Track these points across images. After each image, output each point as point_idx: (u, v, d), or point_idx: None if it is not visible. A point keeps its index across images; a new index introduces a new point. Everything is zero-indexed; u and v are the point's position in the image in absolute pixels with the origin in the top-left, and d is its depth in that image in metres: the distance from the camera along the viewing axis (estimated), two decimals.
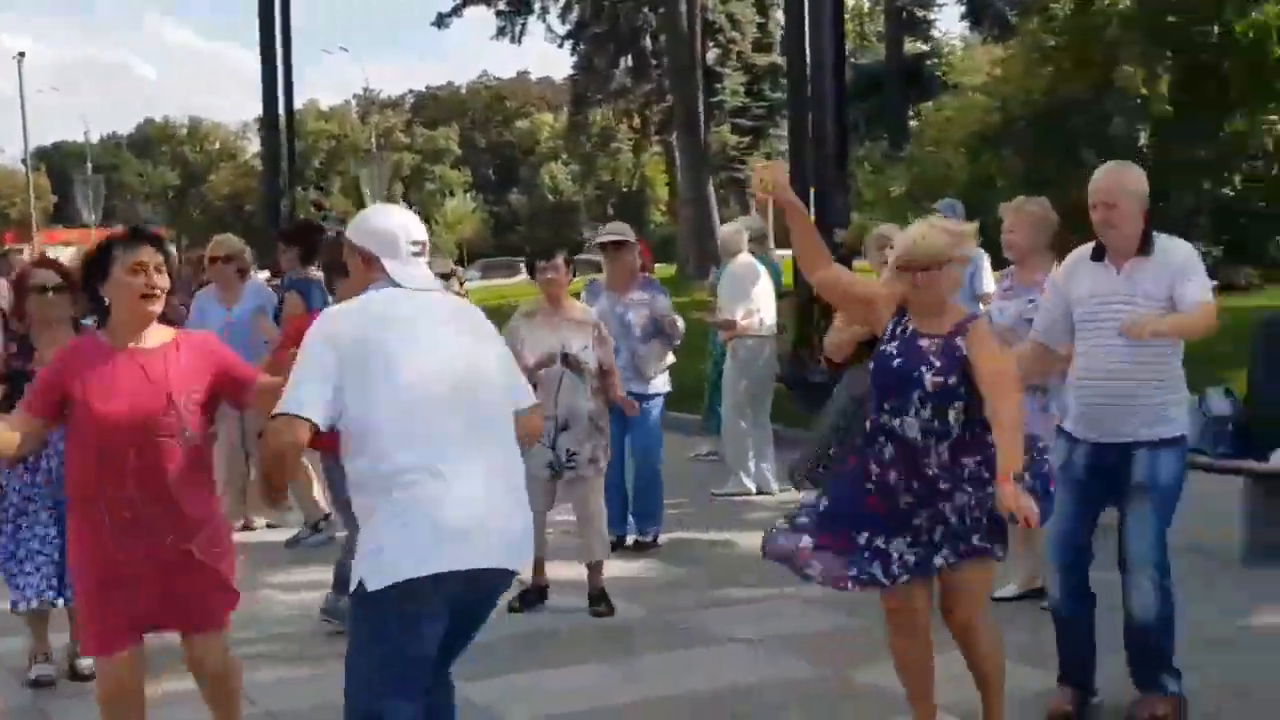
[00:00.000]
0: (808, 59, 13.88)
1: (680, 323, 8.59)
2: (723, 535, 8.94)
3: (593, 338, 7.09)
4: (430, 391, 3.67)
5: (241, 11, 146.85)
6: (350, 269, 4.07)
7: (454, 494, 3.61)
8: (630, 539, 8.56)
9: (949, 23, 54.49)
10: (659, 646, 6.50)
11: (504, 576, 3.87)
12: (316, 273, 8.09)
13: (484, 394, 3.80)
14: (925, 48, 29.63)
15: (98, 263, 4.28)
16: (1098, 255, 5.23)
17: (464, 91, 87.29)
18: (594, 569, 7.17)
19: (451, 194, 76.79)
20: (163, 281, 4.25)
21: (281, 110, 21.68)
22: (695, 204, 31.37)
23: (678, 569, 8.11)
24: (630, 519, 8.63)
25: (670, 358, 8.75)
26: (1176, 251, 5.16)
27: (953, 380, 4.47)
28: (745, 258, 10.25)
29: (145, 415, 4.16)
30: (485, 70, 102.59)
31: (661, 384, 8.64)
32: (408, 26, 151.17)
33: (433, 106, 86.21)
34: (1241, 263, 18.40)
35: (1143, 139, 12.44)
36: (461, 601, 3.73)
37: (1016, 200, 6.81)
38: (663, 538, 8.71)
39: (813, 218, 13.88)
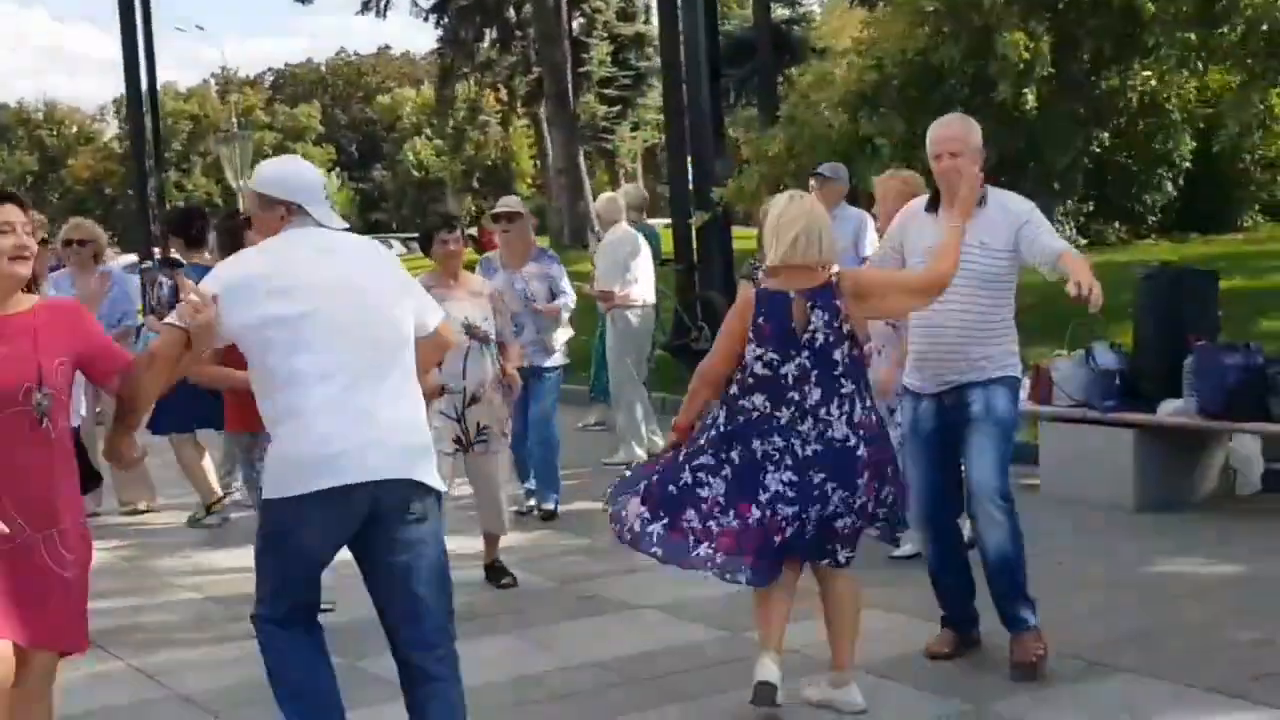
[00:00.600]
0: (680, 25, 13.85)
1: (573, 298, 8.54)
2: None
3: (490, 308, 6.99)
4: (336, 324, 3.96)
5: None
6: (263, 221, 4.16)
7: (348, 414, 3.93)
8: (531, 508, 8.52)
9: None
10: (567, 615, 6.45)
11: (400, 487, 4.03)
12: (208, 256, 7.95)
13: (387, 328, 4.09)
14: (790, 14, 29.85)
15: None
16: (932, 207, 5.33)
17: (324, 68, 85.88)
18: (493, 541, 7.08)
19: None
20: (31, 242, 3.91)
21: (145, 90, 21.12)
22: (568, 174, 31.27)
23: (577, 538, 8.06)
24: (530, 488, 8.61)
25: (569, 330, 8.65)
26: (1019, 203, 5.30)
27: None
28: (623, 228, 10.19)
29: (10, 385, 3.76)
30: (344, 47, 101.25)
31: (560, 356, 8.54)
32: (263, 3, 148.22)
33: (292, 84, 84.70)
34: (1109, 219, 18.83)
35: (1030, 101, 12.52)
36: (369, 512, 3.99)
37: (885, 174, 6.87)
38: (560, 507, 8.64)
39: (690, 184, 13.96)
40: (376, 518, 3.99)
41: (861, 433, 4.72)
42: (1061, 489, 8.03)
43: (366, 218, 68.46)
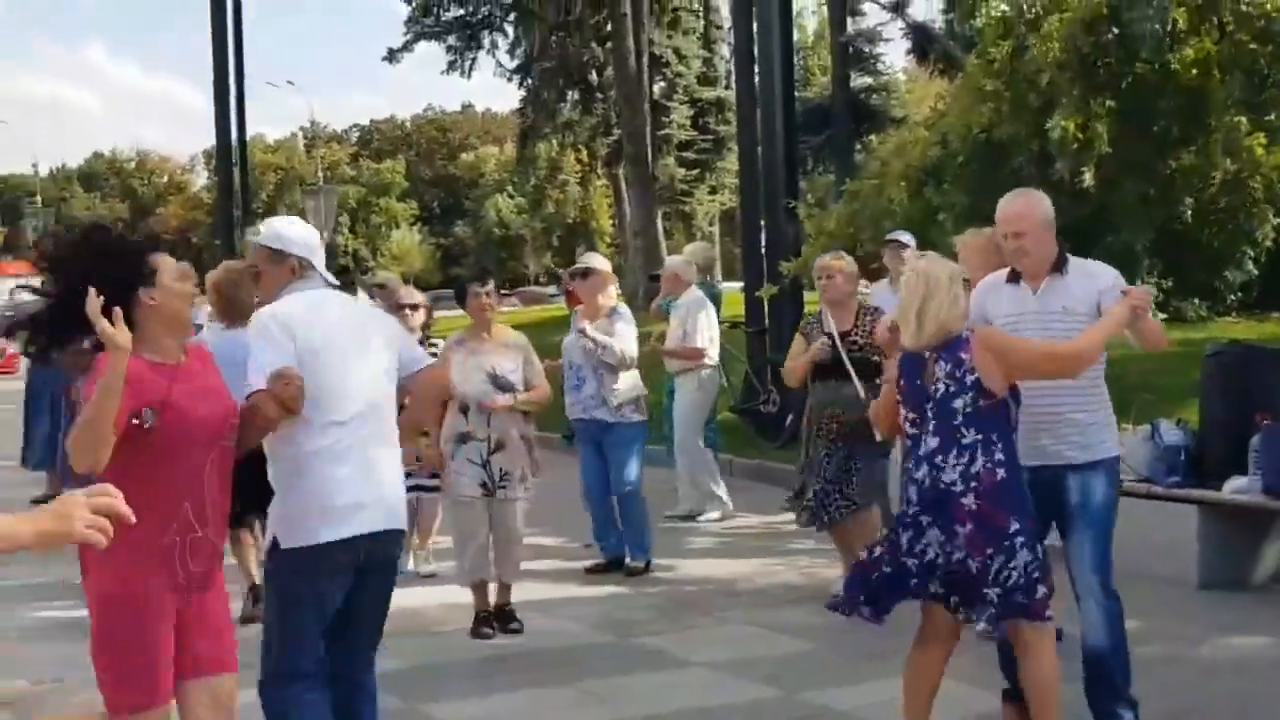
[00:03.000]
0: (757, 92, 14.03)
1: (625, 351, 8.57)
2: (678, 560, 8.99)
3: (521, 359, 7.23)
4: (346, 383, 4.30)
5: (183, 45, 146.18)
6: (271, 276, 4.45)
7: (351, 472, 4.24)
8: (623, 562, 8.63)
9: (895, 57, 55.02)
10: (620, 669, 6.52)
11: (395, 537, 4.44)
12: None
13: (384, 381, 4.46)
14: (872, 82, 29.97)
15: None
16: (1013, 278, 5.35)
17: (409, 125, 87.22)
18: (506, 587, 7.28)
19: (397, 226, 76.62)
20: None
21: (235, 142, 21.65)
22: (644, 235, 31.51)
23: (635, 592, 8.13)
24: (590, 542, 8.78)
25: (640, 386, 8.71)
26: (1102, 270, 5.30)
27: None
28: (696, 289, 10.36)
29: (221, 418, 3.99)
30: (430, 103, 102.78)
31: (630, 411, 8.58)
32: (352, 60, 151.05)
33: (378, 139, 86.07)
34: (1188, 295, 18.69)
35: (1087, 179, 12.58)
36: (364, 561, 4.27)
37: (966, 233, 6.87)
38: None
39: (763, 248, 14.07)
40: (370, 566, 4.34)
41: (974, 484, 4.66)
42: (1124, 565, 7.91)
43: (447, 272, 69.15)
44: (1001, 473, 4.67)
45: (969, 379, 4.72)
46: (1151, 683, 6.01)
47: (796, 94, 15.56)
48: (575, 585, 8.24)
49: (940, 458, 4.71)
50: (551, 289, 51.97)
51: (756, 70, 13.78)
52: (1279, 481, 7.35)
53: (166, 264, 3.98)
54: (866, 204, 13.24)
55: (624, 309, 9.05)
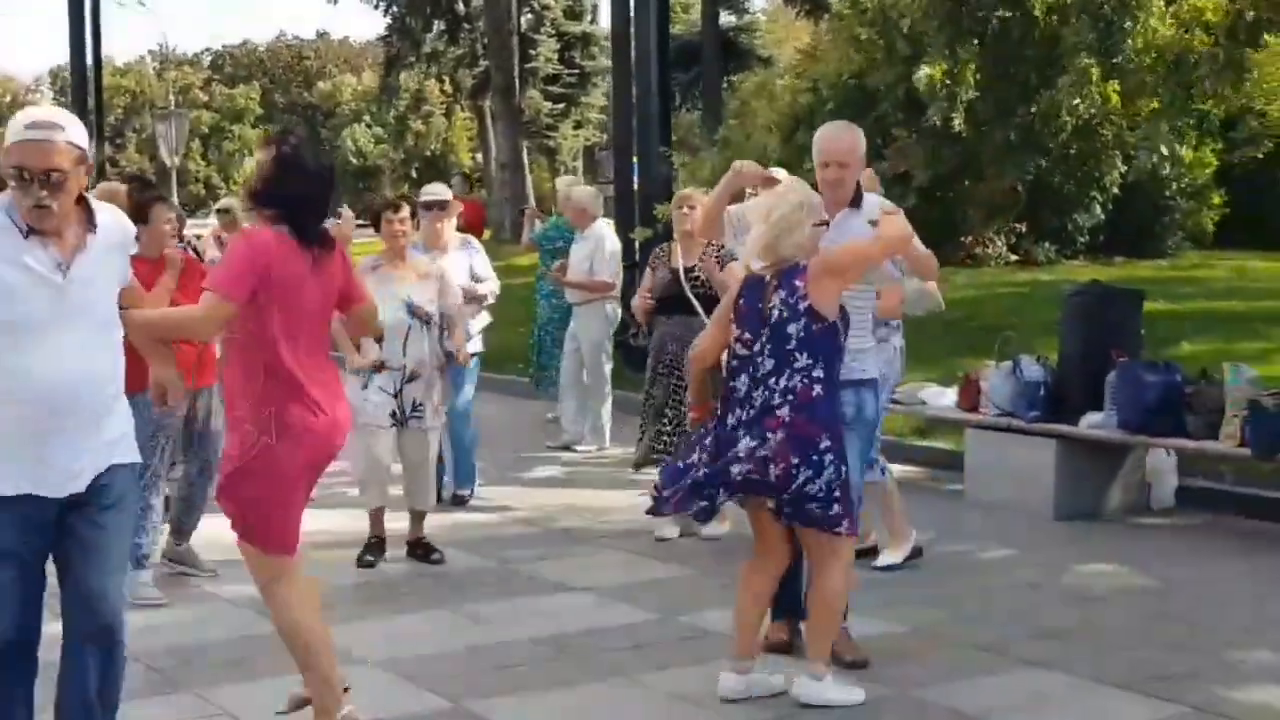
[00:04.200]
0: (633, 26, 14.02)
1: (496, 286, 8.71)
2: (554, 490, 9.14)
3: (436, 289, 7.17)
4: None
5: None
6: None
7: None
8: (446, 494, 8.53)
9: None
10: (498, 594, 6.60)
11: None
12: None
13: None
14: (738, 21, 30.14)
15: None
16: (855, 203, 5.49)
17: (263, 50, 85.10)
18: (419, 518, 7.25)
19: (251, 153, 74.92)
20: None
21: (90, 62, 21.02)
22: (511, 169, 31.36)
23: (511, 521, 8.21)
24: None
25: (487, 318, 8.80)
26: (871, 200, 5.56)
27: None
28: (604, 222, 10.49)
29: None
30: (284, 30, 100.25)
31: (477, 344, 8.64)
32: None
33: (231, 65, 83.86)
34: (1039, 238, 19.25)
35: (957, 124, 12.86)
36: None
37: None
38: (498, 490, 8.87)
39: (635, 184, 14.14)
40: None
41: (791, 398, 4.85)
42: (985, 495, 8.31)
43: None
44: (818, 389, 4.89)
45: (802, 305, 4.89)
46: (1013, 607, 6.32)
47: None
48: (448, 515, 8.22)
49: (774, 379, 4.89)
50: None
51: (631, 3, 13.75)
52: (1133, 417, 7.68)
53: None
54: (739, 151, 13.41)
55: (474, 240, 9.10)
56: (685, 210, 7.64)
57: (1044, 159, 16.79)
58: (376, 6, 35.64)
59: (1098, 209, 19.53)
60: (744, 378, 4.96)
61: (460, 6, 35.50)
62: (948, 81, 12.42)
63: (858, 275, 5.15)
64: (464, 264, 8.40)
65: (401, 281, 7.07)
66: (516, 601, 6.48)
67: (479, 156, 57.37)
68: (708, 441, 4.94)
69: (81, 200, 3.80)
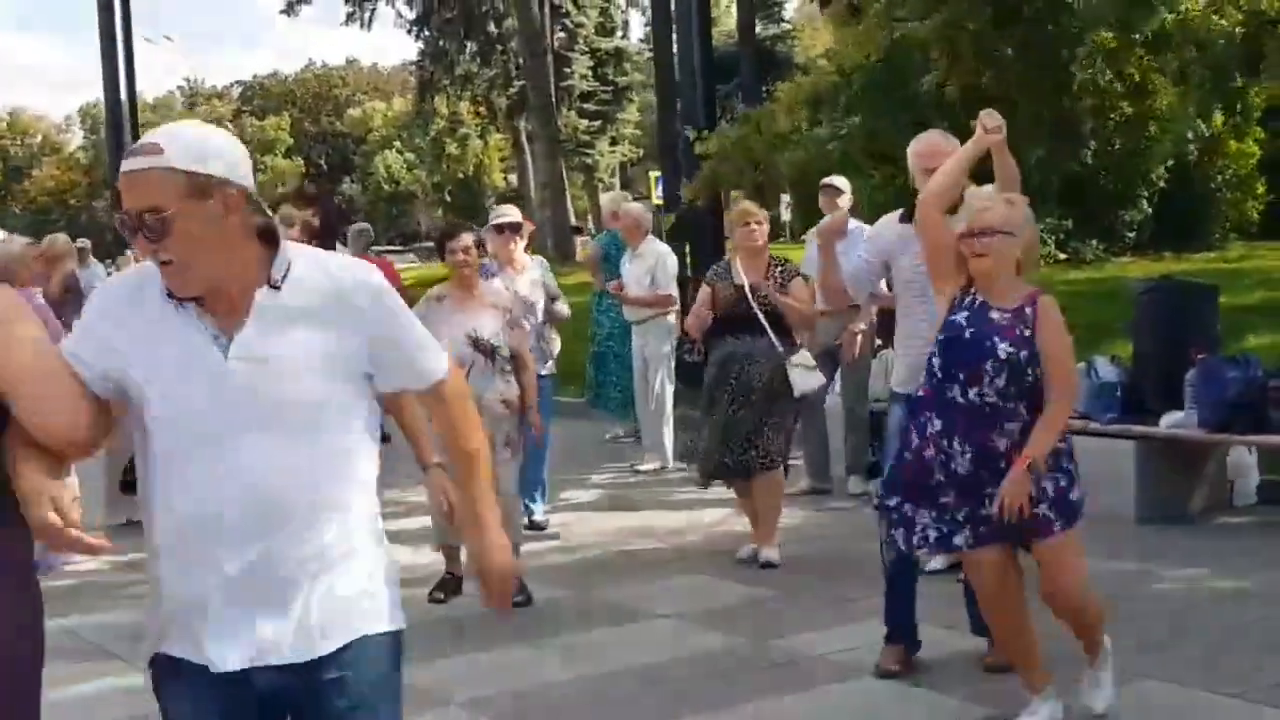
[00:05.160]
0: (674, 40, 13.96)
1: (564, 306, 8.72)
2: (623, 512, 9.04)
3: (504, 321, 6.84)
4: None
5: (45, 2, 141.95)
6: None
7: None
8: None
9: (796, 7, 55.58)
10: (581, 626, 6.49)
11: None
12: None
13: None
14: (776, 30, 30.02)
15: None
16: (907, 218, 5.40)
17: (291, 81, 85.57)
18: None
19: (284, 184, 75.30)
20: None
21: (124, 98, 21.10)
22: (551, 188, 31.32)
23: (583, 547, 8.12)
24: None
25: (558, 340, 8.80)
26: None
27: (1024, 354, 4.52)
28: (654, 238, 10.53)
29: None
30: (312, 59, 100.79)
31: (551, 366, 8.60)
32: (228, 17, 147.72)
33: (261, 96, 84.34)
34: (1087, 236, 19.05)
35: (953, 93, 12.73)
36: None
37: None
38: (567, 515, 8.79)
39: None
40: None
41: None
42: None
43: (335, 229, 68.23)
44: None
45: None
46: (1106, 616, 6.15)
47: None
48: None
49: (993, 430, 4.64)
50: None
51: (673, 10, 13.69)
52: (1213, 415, 7.52)
53: None
54: (762, 128, 13.33)
55: (544, 260, 9.06)
56: (749, 227, 7.48)
57: (1085, 155, 16.67)
58: (409, 31, 35.79)
59: (1144, 204, 19.34)
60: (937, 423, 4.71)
61: (493, 28, 35.55)
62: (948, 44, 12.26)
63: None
64: (540, 284, 8.34)
65: (468, 314, 6.76)
66: (599, 632, 6.36)
67: (512, 178, 57.55)
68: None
69: (267, 240, 2.66)
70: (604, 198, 15.88)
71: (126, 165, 2.56)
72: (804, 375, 7.29)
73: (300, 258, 2.66)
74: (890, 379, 5.83)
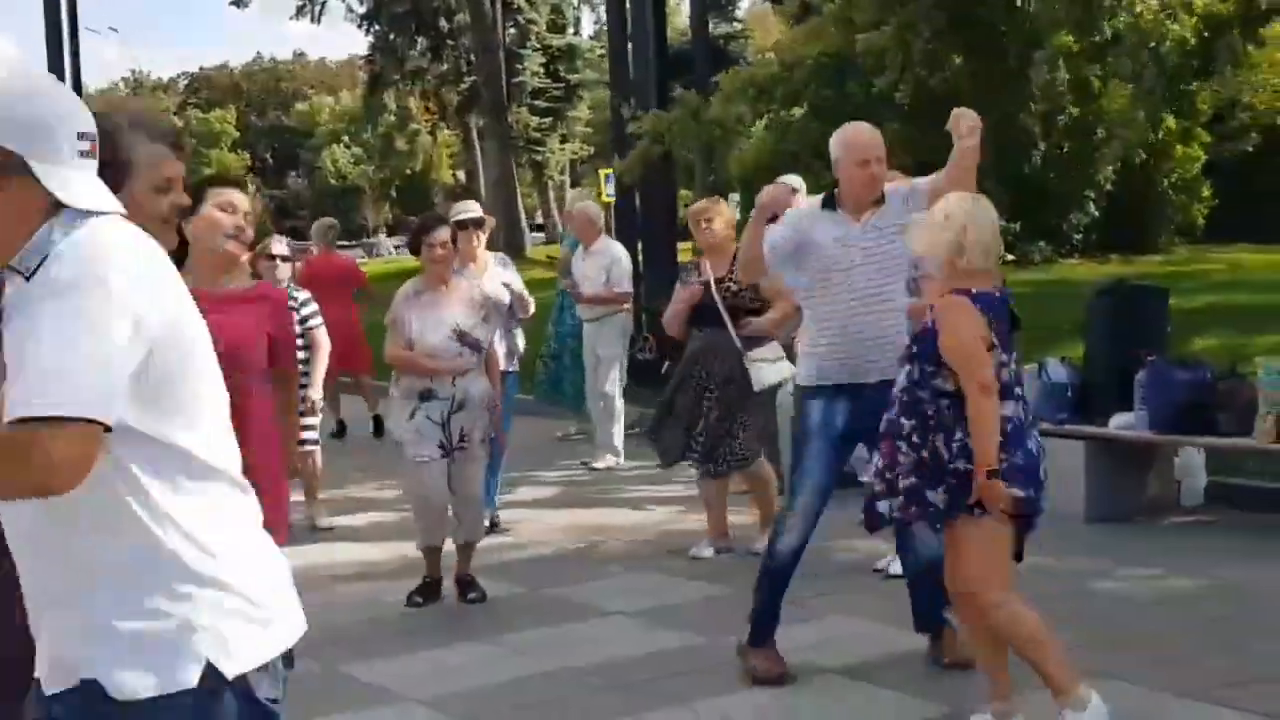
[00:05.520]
0: (630, 35, 13.98)
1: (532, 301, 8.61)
2: (576, 509, 9.03)
3: (481, 314, 6.84)
4: None
5: None
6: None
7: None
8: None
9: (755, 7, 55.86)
10: (536, 623, 6.48)
11: None
12: None
13: None
14: (730, 29, 30.05)
15: None
16: (829, 205, 5.47)
17: (239, 74, 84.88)
18: (466, 551, 6.98)
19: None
20: (249, 228, 4.33)
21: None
22: (502, 185, 31.23)
23: (537, 544, 8.10)
24: None
25: (522, 336, 8.76)
26: (901, 182, 5.58)
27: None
28: (609, 237, 10.59)
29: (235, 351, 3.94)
30: (259, 52, 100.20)
31: (514, 363, 8.57)
32: (177, 6, 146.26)
33: (207, 89, 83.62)
34: (1035, 238, 19.24)
35: (904, 95, 12.82)
36: None
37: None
38: (520, 512, 8.77)
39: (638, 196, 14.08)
40: None
41: None
42: None
43: (280, 225, 67.77)
44: None
45: None
46: (1059, 615, 6.18)
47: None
48: None
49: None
50: (395, 240, 51.26)
51: (628, 11, 13.70)
52: (1163, 416, 7.60)
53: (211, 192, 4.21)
54: (698, 114, 13.41)
55: (506, 257, 9.00)
56: (703, 225, 7.56)
57: (1033, 158, 16.85)
58: (360, 25, 35.59)
59: (1091, 206, 19.54)
60: (1013, 406, 4.62)
61: (444, 23, 35.42)
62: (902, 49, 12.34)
63: None
64: (503, 281, 8.27)
65: (448, 308, 6.74)
66: (557, 629, 6.35)
67: (460, 174, 57.34)
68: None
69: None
70: (572, 197, 15.83)
71: None
72: (762, 369, 7.33)
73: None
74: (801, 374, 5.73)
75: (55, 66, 20.97)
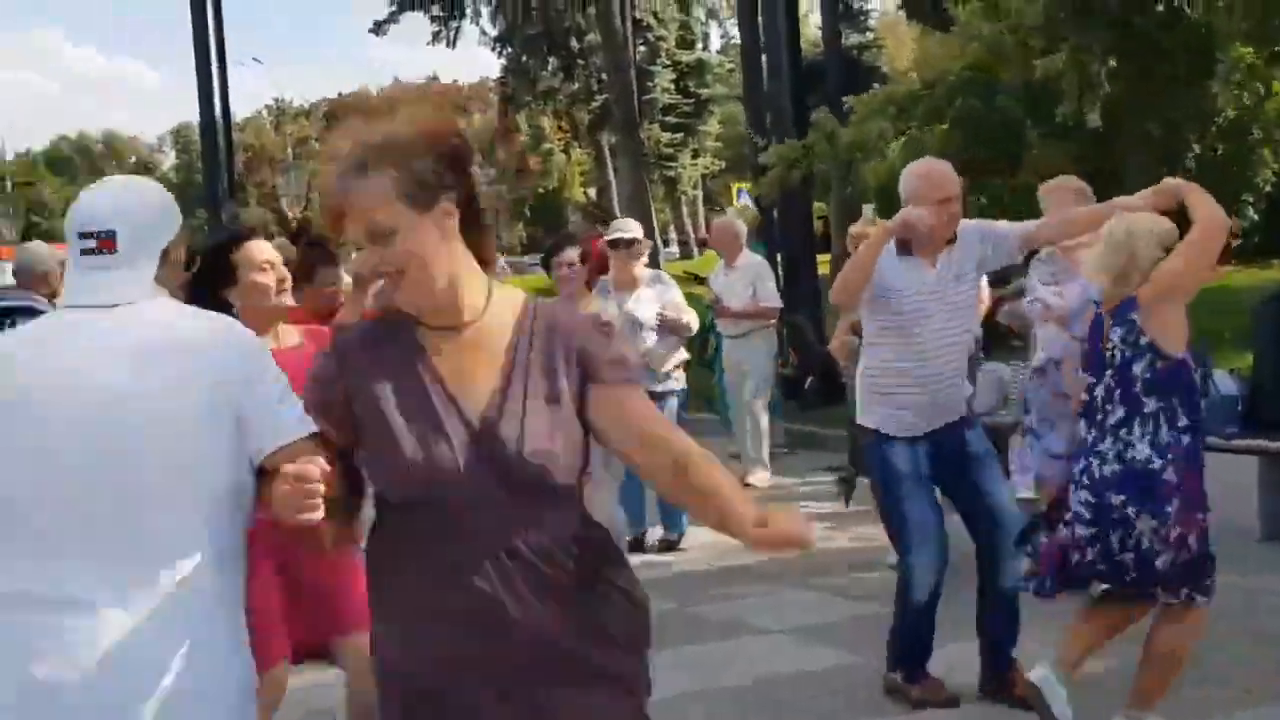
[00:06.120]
0: (763, 48, 13.87)
1: (693, 318, 8.38)
2: None
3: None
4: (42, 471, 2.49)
5: (142, 26, 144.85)
6: None
7: (64, 639, 2.44)
8: (655, 539, 8.40)
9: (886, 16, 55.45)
10: (689, 638, 6.37)
11: None
12: None
13: (145, 471, 2.50)
14: (862, 39, 29.70)
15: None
16: (904, 250, 5.19)
17: (377, 99, 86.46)
18: None
19: None
20: (287, 273, 4.05)
21: (219, 118, 21.36)
22: (636, 201, 31.31)
23: (687, 561, 8.00)
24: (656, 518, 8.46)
25: (683, 353, 8.51)
26: (971, 224, 5.29)
27: None
28: (750, 251, 10.35)
29: None
30: (396, 77, 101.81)
31: (676, 381, 8.36)
32: (316, 36, 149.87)
33: (346, 114, 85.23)
34: None
35: (1095, 120, 12.43)
36: None
37: (1053, 181, 6.57)
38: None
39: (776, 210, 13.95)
40: None
41: (1169, 455, 4.45)
42: None
43: None
44: (1187, 439, 4.48)
45: (1143, 340, 4.51)
46: (1242, 636, 5.92)
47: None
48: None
49: (1125, 430, 4.51)
50: (528, 259, 51.67)
51: (760, 24, 13.60)
52: None
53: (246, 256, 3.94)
54: (833, 137, 13.23)
55: (665, 274, 8.81)
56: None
57: (1188, 160, 16.32)
58: (493, 48, 36.04)
59: (1250, 210, 18.89)
60: (1084, 424, 4.63)
61: (574, 43, 35.69)
62: (1078, 72, 12.01)
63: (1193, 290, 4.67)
64: (657, 300, 8.14)
65: None
66: (707, 646, 6.24)
67: (592, 192, 57.66)
68: (1080, 510, 4.56)
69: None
70: (730, 213, 15.53)
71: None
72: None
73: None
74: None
75: (205, 95, 21.47)
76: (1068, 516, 4.60)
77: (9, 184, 59.74)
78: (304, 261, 5.91)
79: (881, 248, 5.12)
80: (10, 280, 7.68)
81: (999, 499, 5.24)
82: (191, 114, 22.86)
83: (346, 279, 5.77)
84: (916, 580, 5.23)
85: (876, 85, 23.34)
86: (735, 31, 16.77)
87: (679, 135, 41.56)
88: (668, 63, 39.39)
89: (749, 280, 10.01)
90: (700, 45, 40.50)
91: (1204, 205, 4.60)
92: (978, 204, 16.27)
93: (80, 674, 2.42)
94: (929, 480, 5.28)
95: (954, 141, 14.40)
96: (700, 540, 8.44)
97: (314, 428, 2.56)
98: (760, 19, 13.93)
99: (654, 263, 13.00)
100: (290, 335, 4.05)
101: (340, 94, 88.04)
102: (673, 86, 39.94)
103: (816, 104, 25.26)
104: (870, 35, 31.23)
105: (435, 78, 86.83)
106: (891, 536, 5.46)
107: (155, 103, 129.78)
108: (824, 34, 19.04)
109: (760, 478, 10.16)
